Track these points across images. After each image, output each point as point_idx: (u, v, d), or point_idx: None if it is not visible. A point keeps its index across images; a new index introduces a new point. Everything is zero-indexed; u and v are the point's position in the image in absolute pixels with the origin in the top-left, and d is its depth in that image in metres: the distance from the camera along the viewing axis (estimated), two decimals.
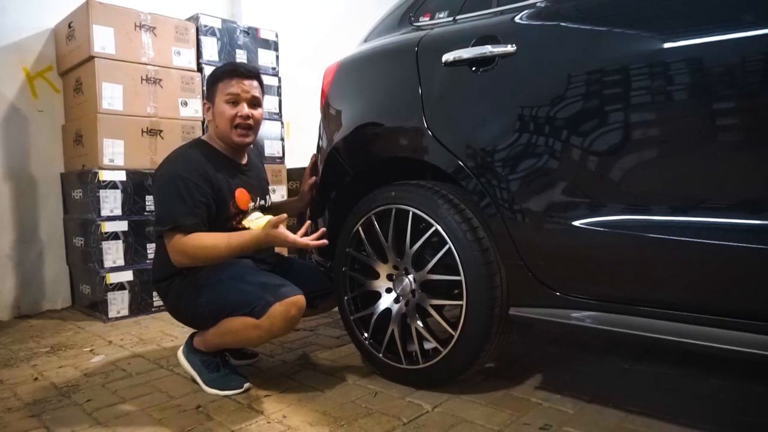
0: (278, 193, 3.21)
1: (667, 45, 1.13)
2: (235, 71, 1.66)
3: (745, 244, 1.04)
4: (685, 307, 1.13)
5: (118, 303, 2.57)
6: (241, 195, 1.68)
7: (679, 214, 1.13)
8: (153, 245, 2.61)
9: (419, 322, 1.55)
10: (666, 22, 1.14)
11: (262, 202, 1.79)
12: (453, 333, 1.47)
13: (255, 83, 1.69)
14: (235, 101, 1.64)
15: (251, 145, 1.83)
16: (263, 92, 1.74)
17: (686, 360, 1.75)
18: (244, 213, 1.69)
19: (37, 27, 2.78)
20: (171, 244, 1.53)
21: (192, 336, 1.70)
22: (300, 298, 1.52)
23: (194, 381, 1.66)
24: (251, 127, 1.68)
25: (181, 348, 1.72)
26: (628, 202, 1.19)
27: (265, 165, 2.03)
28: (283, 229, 1.51)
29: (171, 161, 1.64)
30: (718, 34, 1.06)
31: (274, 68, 3.25)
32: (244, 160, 1.78)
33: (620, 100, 1.19)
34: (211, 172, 1.61)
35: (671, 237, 1.11)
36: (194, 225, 1.53)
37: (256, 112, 1.69)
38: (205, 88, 1.73)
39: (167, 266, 1.64)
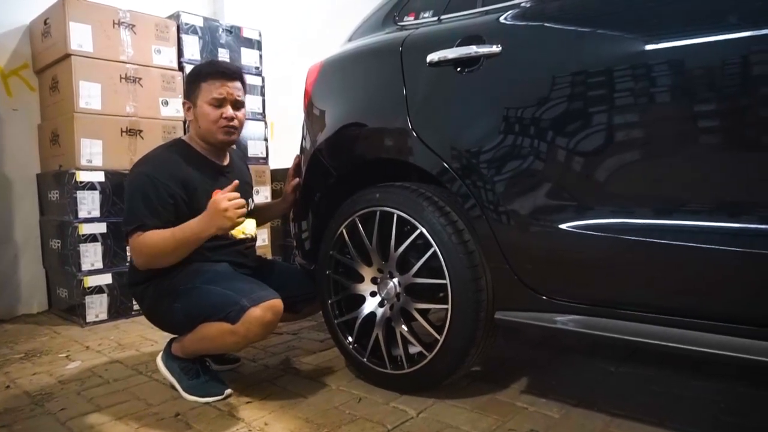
0: (262, 195, 3.17)
1: (653, 46, 1.12)
2: (219, 73, 1.61)
3: (730, 248, 1.03)
4: (671, 310, 1.13)
5: (97, 307, 2.50)
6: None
7: (665, 218, 1.12)
8: None
9: (404, 326, 1.53)
10: (652, 22, 1.13)
11: None
12: (438, 337, 1.45)
13: (238, 84, 1.65)
14: (219, 104, 1.61)
15: (234, 147, 1.80)
16: (245, 91, 1.71)
17: (671, 362, 1.75)
18: None
19: (11, 23, 2.71)
20: (131, 245, 1.51)
21: (171, 342, 1.66)
22: (276, 302, 1.48)
23: (173, 388, 1.62)
24: (236, 127, 1.65)
25: (160, 354, 1.67)
26: (614, 204, 1.18)
27: (248, 166, 1.99)
28: (216, 195, 1.44)
29: (143, 161, 1.61)
30: (705, 36, 1.05)
31: (257, 68, 3.21)
32: (226, 161, 1.74)
33: (607, 101, 1.18)
34: (185, 172, 1.57)
35: (658, 240, 1.10)
36: (157, 225, 1.49)
37: (240, 113, 1.66)
38: (184, 86, 1.67)
39: (143, 269, 1.59)
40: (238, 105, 1.65)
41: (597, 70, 1.19)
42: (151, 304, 1.62)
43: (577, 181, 1.22)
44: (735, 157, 1.06)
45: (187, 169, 1.58)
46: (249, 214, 1.76)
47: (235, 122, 1.63)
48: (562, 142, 1.23)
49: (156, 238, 1.48)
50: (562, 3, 1.30)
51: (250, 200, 1.81)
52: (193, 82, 1.64)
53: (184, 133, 2.76)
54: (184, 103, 1.68)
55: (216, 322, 1.47)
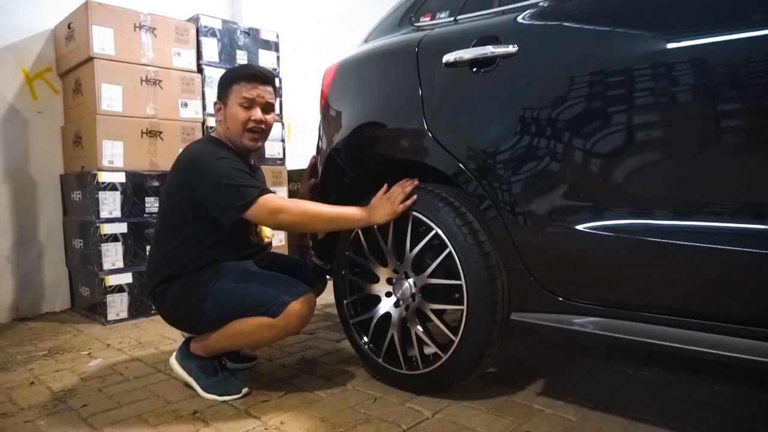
0: (278, 195, 3.19)
1: (672, 45, 1.10)
2: (253, 76, 1.63)
3: (750, 249, 1.01)
4: (690, 313, 1.11)
5: (117, 305, 2.55)
6: None
7: (684, 219, 1.10)
8: None
9: (419, 327, 1.53)
10: (671, 21, 1.12)
11: None
12: (453, 338, 1.44)
13: (270, 88, 1.66)
14: (249, 105, 1.62)
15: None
16: (276, 96, 1.73)
17: (691, 365, 1.72)
18: None
19: (36, 28, 2.77)
20: (267, 208, 1.50)
21: (186, 342, 1.68)
22: (312, 296, 1.55)
23: (189, 387, 1.64)
24: (263, 131, 1.66)
25: (174, 354, 1.69)
26: (632, 205, 1.16)
27: (265, 167, 2.02)
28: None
29: (203, 152, 1.60)
30: (725, 35, 1.03)
31: (275, 69, 3.24)
32: (252, 162, 1.77)
33: (624, 101, 1.16)
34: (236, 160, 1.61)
35: (676, 242, 1.09)
36: (268, 191, 1.56)
37: (269, 117, 1.67)
38: (218, 88, 1.70)
39: (162, 269, 1.62)
40: (267, 108, 1.66)
41: (614, 69, 1.17)
42: (175, 304, 1.61)
43: (595, 181, 1.21)
44: (756, 158, 1.04)
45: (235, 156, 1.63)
46: None
47: (263, 125, 1.65)
48: (579, 142, 1.22)
49: (311, 204, 1.58)
50: (579, 2, 1.28)
51: None
52: (226, 84, 1.65)
53: (202, 135, 2.81)
54: (215, 104, 1.69)
55: (253, 318, 1.50)
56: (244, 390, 1.59)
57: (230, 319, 1.53)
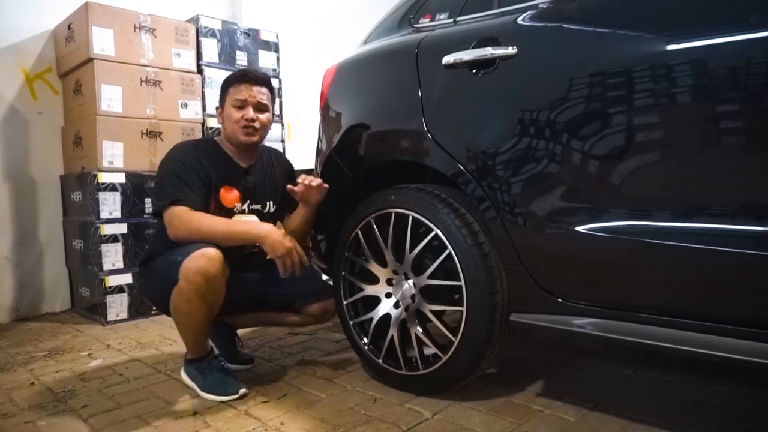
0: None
1: (672, 47, 1.10)
2: (243, 77, 1.71)
3: (748, 251, 1.02)
4: (687, 314, 1.11)
5: (117, 306, 2.55)
6: (227, 192, 1.70)
7: (682, 220, 1.11)
8: None
9: (419, 328, 1.53)
10: (671, 23, 1.12)
11: (257, 206, 1.77)
12: (453, 339, 1.44)
13: (263, 89, 1.73)
14: (241, 106, 1.69)
15: (261, 151, 1.84)
16: (273, 98, 1.79)
17: (690, 366, 1.72)
18: (229, 211, 1.70)
19: (36, 28, 2.77)
20: (169, 218, 1.57)
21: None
22: (208, 250, 1.49)
23: (192, 389, 1.64)
24: (257, 129, 1.71)
25: (182, 366, 1.70)
26: (631, 207, 1.17)
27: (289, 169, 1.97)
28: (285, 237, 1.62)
29: (172, 150, 1.71)
30: (725, 36, 1.03)
31: (274, 69, 3.24)
32: (249, 164, 1.77)
33: (623, 103, 1.17)
34: (208, 162, 1.66)
35: (675, 243, 1.09)
36: (192, 201, 1.59)
37: (263, 116, 1.72)
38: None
39: (146, 252, 1.72)
40: (260, 108, 1.72)
41: (614, 71, 1.17)
42: (146, 286, 1.80)
43: (593, 183, 1.21)
44: (754, 160, 1.04)
45: (210, 161, 1.67)
46: (266, 220, 1.77)
47: (256, 123, 1.70)
48: (577, 144, 1.22)
49: (206, 219, 1.59)
50: (580, 3, 1.29)
51: (269, 203, 1.82)
52: (224, 88, 1.74)
53: (202, 136, 2.82)
54: (216, 108, 1.80)
55: (173, 291, 1.51)
56: (243, 390, 1.59)
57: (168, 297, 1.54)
